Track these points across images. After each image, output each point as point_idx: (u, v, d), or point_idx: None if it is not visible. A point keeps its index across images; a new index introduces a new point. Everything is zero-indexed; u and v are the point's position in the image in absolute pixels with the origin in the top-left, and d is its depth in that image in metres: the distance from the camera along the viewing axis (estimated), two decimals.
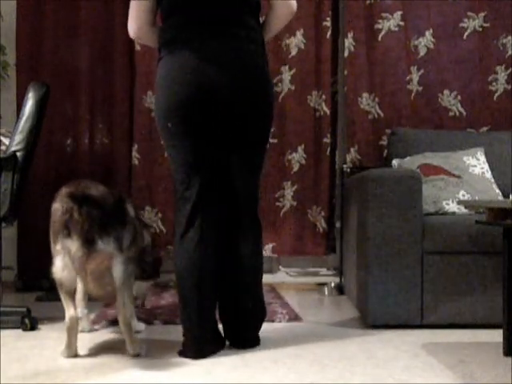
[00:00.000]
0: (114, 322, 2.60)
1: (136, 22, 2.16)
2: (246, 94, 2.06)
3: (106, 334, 2.45)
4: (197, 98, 2.03)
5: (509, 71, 3.69)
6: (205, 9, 2.06)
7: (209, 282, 2.11)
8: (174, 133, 2.10)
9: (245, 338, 2.23)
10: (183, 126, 2.07)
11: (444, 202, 2.85)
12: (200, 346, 2.12)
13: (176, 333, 2.31)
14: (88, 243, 1.96)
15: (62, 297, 2.08)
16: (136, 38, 2.27)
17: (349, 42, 3.68)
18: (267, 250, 3.64)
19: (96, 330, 2.51)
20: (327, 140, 3.72)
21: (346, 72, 3.68)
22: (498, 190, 3.00)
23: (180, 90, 2.03)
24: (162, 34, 2.14)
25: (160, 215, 3.64)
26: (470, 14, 3.69)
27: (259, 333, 2.27)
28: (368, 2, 3.71)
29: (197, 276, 2.08)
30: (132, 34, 2.21)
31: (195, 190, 2.10)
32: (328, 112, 3.72)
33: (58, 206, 2.03)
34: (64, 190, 2.06)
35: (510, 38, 3.68)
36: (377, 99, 3.70)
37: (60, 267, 2.01)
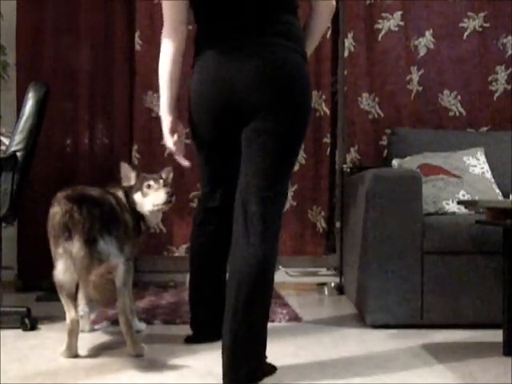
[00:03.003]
0: (114, 322, 2.60)
1: (171, 24, 2.01)
2: (272, 103, 1.85)
3: (105, 334, 2.45)
4: (221, 116, 1.96)
5: (509, 71, 3.68)
6: (233, 11, 1.91)
7: (217, 269, 2.21)
8: (200, 147, 2.12)
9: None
10: (209, 144, 2.08)
11: (444, 202, 2.85)
12: (201, 329, 2.25)
13: (176, 333, 2.31)
14: (89, 243, 1.96)
15: (63, 300, 2.08)
16: (169, 40, 2.05)
17: (349, 42, 3.68)
18: None
19: (96, 330, 2.51)
20: (327, 140, 3.72)
21: (345, 72, 3.68)
22: (498, 190, 3.00)
23: (205, 109, 1.98)
24: (195, 38, 2.06)
25: (160, 215, 3.63)
26: (470, 14, 3.69)
27: None
28: (368, 1, 3.70)
29: (205, 262, 2.25)
30: (166, 36, 2.04)
31: (219, 195, 2.19)
32: (328, 112, 3.72)
33: (56, 210, 2.04)
34: (60, 194, 2.09)
35: (510, 37, 3.67)
36: (377, 99, 3.70)
37: (62, 270, 2.02)
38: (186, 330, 2.34)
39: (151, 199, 2.33)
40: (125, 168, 2.39)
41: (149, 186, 2.34)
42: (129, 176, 2.38)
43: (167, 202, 2.34)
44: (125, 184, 2.37)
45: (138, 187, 2.35)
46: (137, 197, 2.34)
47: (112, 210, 2.14)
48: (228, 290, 1.79)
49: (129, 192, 2.35)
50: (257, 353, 1.81)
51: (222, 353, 1.76)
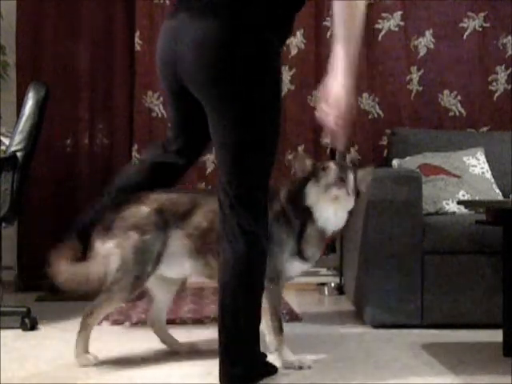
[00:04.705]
0: (114, 322, 2.60)
1: None
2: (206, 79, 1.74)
3: (106, 335, 2.44)
4: (165, 73, 1.89)
5: (509, 71, 3.69)
6: None
7: None
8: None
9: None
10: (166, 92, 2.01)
11: (444, 202, 2.85)
12: None
13: (175, 333, 2.30)
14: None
15: None
16: None
17: None
18: None
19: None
20: (327, 140, 3.72)
21: None
22: (498, 190, 3.00)
23: (161, 73, 1.93)
24: None
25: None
26: (469, 14, 3.69)
27: None
28: (368, 2, 3.70)
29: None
30: None
31: (179, 143, 2.05)
32: None
33: None
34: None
35: (510, 37, 3.68)
36: (377, 99, 3.70)
37: None
38: (185, 329, 2.34)
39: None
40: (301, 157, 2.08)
41: (324, 169, 1.96)
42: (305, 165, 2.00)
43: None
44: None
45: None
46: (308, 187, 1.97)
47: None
48: (218, 292, 1.77)
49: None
50: (249, 354, 1.79)
51: (218, 354, 1.77)
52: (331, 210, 1.97)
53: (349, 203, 1.99)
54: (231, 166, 1.75)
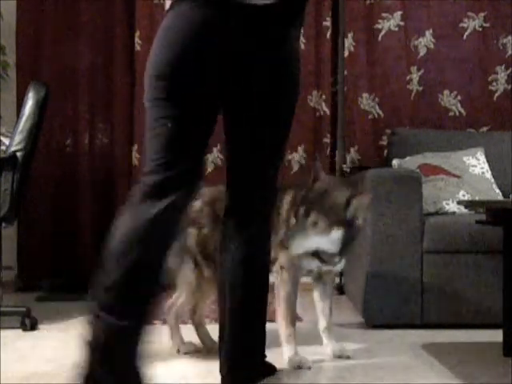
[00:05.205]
0: None
1: None
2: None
3: None
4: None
5: (509, 71, 3.69)
6: None
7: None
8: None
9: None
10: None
11: (444, 202, 2.85)
12: None
13: None
14: None
15: None
16: None
17: (349, 42, 3.68)
18: None
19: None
20: (327, 140, 3.72)
21: (345, 72, 3.68)
22: (498, 190, 3.00)
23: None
24: None
25: None
26: (469, 14, 3.69)
27: None
28: (368, 1, 3.71)
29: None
30: None
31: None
32: (328, 112, 3.72)
33: None
34: None
35: (510, 37, 3.68)
36: (377, 99, 3.70)
37: None
38: (184, 330, 2.33)
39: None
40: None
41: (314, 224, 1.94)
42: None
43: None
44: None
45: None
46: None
47: None
48: (227, 292, 1.75)
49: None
50: (250, 354, 1.77)
51: (219, 353, 1.76)
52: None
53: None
54: (260, 173, 1.72)
